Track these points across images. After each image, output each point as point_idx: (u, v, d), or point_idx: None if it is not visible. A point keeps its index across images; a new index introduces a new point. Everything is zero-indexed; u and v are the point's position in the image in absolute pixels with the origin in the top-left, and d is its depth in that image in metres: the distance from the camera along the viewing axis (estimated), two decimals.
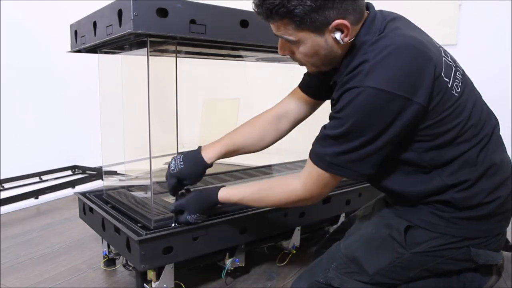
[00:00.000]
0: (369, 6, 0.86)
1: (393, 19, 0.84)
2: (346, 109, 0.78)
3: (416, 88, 0.75)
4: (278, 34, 0.83)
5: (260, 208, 1.22)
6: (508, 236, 0.99)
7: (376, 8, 0.90)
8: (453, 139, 0.82)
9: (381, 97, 0.74)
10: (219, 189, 1.04)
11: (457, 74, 0.83)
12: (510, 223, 0.93)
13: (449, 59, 0.84)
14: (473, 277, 0.93)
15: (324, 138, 0.84)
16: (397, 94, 0.74)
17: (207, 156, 1.06)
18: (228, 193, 1.03)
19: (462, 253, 0.87)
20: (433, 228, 0.87)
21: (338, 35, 0.79)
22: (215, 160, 1.08)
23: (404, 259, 0.89)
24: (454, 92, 0.81)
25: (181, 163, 1.05)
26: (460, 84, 0.83)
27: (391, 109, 0.75)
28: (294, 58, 0.89)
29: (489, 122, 0.87)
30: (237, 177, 1.65)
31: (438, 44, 0.87)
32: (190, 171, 1.05)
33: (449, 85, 0.80)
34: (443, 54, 0.83)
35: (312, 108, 1.12)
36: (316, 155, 0.85)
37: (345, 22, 0.77)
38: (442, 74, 0.79)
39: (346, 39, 0.80)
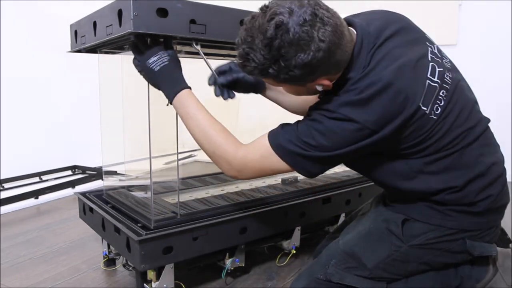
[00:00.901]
0: (356, 27, 0.84)
1: (382, 43, 0.82)
2: (319, 125, 0.82)
3: (385, 125, 0.79)
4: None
5: (260, 208, 1.22)
6: (508, 232, 0.99)
7: (378, 8, 0.90)
8: (436, 151, 0.84)
9: (351, 125, 0.79)
10: (183, 89, 0.94)
11: (441, 93, 0.84)
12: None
13: (436, 78, 0.83)
14: (471, 271, 0.94)
15: (290, 129, 0.86)
16: (366, 126, 0.78)
17: None
18: (185, 100, 0.94)
19: (458, 245, 0.89)
20: (429, 220, 0.89)
21: (319, 88, 0.83)
22: None
23: (402, 252, 0.90)
24: (432, 116, 0.82)
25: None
26: (442, 104, 0.83)
27: (355, 136, 0.80)
28: None
29: (475, 128, 0.88)
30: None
31: (433, 53, 0.86)
32: None
33: (427, 112, 0.81)
34: (428, 74, 0.82)
35: None
36: (274, 133, 0.88)
37: (326, 81, 0.81)
38: (420, 104, 0.80)
39: (327, 89, 0.84)
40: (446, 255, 0.91)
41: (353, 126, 0.79)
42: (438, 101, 0.83)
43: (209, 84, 1.08)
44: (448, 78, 0.86)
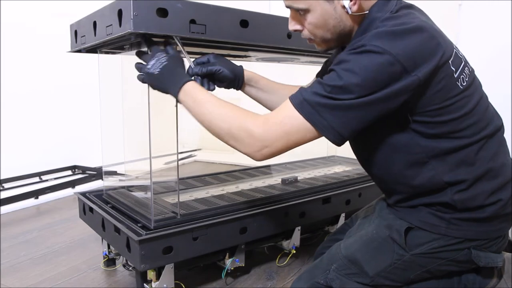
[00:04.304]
0: None
1: (409, 6, 0.85)
2: (347, 64, 0.76)
3: (418, 66, 0.74)
4: (288, 4, 0.85)
5: (260, 208, 1.22)
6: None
7: None
8: (452, 131, 0.81)
9: (383, 57, 0.73)
10: (187, 82, 0.91)
11: (465, 69, 0.83)
12: None
13: (460, 54, 0.85)
14: (474, 278, 0.93)
15: (313, 82, 0.81)
16: (398, 60, 0.73)
17: None
18: (190, 90, 0.90)
19: (463, 255, 0.87)
20: (434, 230, 0.87)
21: (346, 3, 0.81)
22: (248, 75, 1.10)
23: (404, 260, 0.88)
24: (459, 84, 0.80)
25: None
26: (467, 79, 0.82)
27: (388, 72, 0.73)
28: (303, 34, 0.90)
29: (492, 122, 0.86)
30: (237, 177, 1.65)
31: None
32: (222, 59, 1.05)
33: (455, 75, 0.80)
34: (454, 46, 0.84)
35: None
36: (297, 92, 0.81)
37: None
38: (450, 62, 0.79)
39: (354, 8, 0.81)
40: (450, 264, 0.88)
41: (384, 58, 0.73)
42: (463, 74, 0.82)
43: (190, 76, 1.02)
44: (469, 63, 0.87)
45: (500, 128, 0.89)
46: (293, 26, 0.89)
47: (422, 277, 0.91)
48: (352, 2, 0.81)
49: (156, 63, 0.92)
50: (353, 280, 0.91)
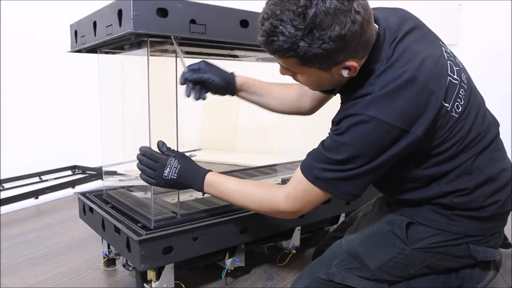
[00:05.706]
0: (377, 20, 0.82)
1: (402, 37, 0.82)
2: (345, 136, 0.78)
3: (415, 122, 0.76)
4: (282, 65, 0.82)
5: None
6: (508, 235, 0.99)
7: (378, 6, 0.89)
8: (453, 155, 0.84)
9: (379, 127, 0.76)
10: (205, 175, 0.98)
11: (461, 92, 0.83)
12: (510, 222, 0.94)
13: (455, 76, 0.83)
14: (472, 272, 0.94)
15: (318, 153, 0.84)
16: (395, 125, 0.75)
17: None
18: (213, 182, 0.98)
19: (461, 249, 0.89)
20: (434, 225, 0.89)
21: (345, 73, 0.78)
22: (240, 81, 1.11)
23: (405, 255, 0.90)
24: (454, 114, 0.81)
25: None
26: (462, 102, 0.83)
27: (387, 139, 0.77)
28: (295, 79, 0.89)
29: (489, 131, 0.88)
30: (237, 177, 1.65)
31: (447, 52, 0.86)
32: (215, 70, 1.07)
33: (449, 109, 0.80)
34: (449, 71, 0.82)
35: (321, 103, 1.15)
36: (307, 166, 0.85)
37: (354, 63, 0.76)
38: (443, 102, 0.79)
39: (352, 75, 0.79)
40: (449, 259, 0.90)
41: (381, 127, 0.75)
42: (458, 100, 0.82)
43: (181, 83, 1.04)
44: (464, 79, 0.86)
45: (496, 135, 0.90)
46: (283, 74, 0.87)
47: (421, 272, 0.93)
48: (351, 71, 0.78)
49: (171, 170, 0.97)
50: (354, 274, 0.92)
